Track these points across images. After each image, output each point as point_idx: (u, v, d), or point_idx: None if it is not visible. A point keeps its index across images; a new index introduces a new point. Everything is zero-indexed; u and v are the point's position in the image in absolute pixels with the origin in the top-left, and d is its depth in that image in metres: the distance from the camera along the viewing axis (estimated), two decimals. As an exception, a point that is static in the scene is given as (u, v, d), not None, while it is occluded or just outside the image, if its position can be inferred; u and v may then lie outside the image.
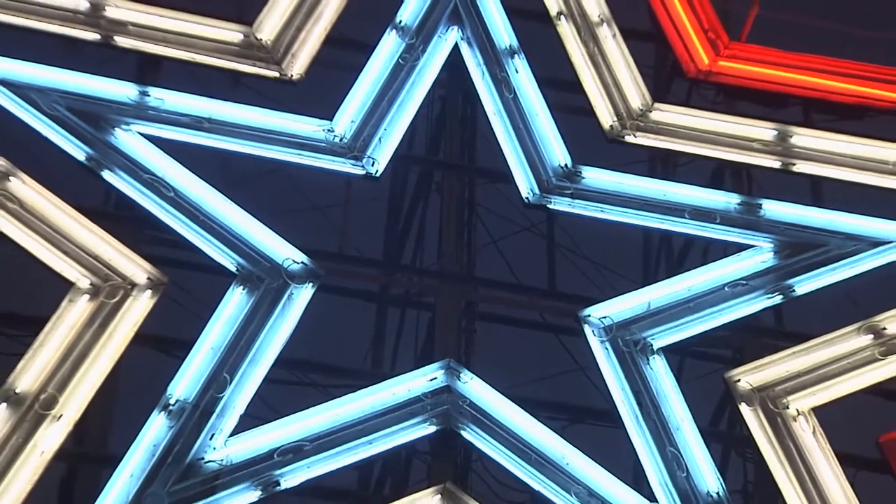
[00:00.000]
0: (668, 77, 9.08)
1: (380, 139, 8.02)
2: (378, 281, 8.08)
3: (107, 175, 7.49)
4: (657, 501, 7.19)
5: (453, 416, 7.16)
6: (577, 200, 8.16)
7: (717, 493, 7.23)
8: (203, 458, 6.77)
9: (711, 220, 8.28)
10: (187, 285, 7.35)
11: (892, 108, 9.00)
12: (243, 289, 7.33)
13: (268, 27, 8.24)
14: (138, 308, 7.10)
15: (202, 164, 7.63)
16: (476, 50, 8.49)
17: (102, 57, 7.91)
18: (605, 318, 7.76)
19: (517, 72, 8.44)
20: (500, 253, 8.09)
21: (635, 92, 8.65)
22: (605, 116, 8.54)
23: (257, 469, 6.80)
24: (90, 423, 6.78)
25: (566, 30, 8.78)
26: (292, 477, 6.82)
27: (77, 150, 7.51)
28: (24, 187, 7.24)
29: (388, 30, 8.37)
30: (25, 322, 6.97)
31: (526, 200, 8.14)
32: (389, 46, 8.31)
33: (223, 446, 6.83)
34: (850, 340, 7.91)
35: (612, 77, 8.68)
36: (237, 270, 7.39)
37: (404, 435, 7.09)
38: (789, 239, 8.26)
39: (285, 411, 7.01)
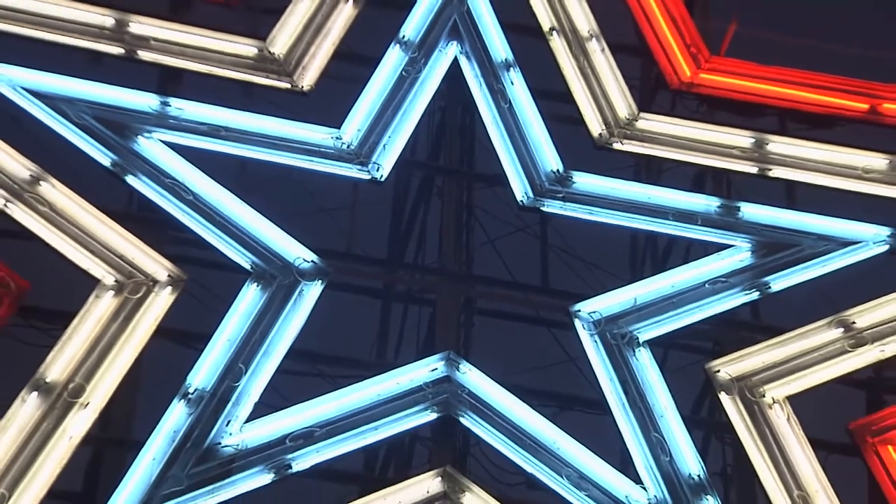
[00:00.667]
0: (652, 88, 9.05)
1: (384, 146, 8.02)
2: (382, 278, 8.07)
3: (130, 179, 7.50)
4: (643, 483, 7.19)
5: (453, 404, 7.17)
6: (568, 203, 8.16)
7: (699, 476, 7.24)
8: (220, 443, 6.78)
9: (693, 221, 8.27)
10: (205, 282, 7.35)
11: (860, 117, 8.98)
12: (257, 285, 7.34)
13: (280, 42, 8.24)
14: (160, 303, 7.10)
15: (219, 170, 7.63)
16: (474, 63, 8.49)
17: (126, 70, 7.90)
18: (594, 312, 7.76)
19: (512, 83, 8.44)
20: (497, 252, 8.08)
21: (622, 102, 8.64)
22: (595, 125, 8.53)
23: (270, 453, 6.80)
24: (115, 410, 6.78)
25: (558, 44, 8.76)
26: (303, 461, 6.83)
27: (103, 157, 7.51)
28: (54, 191, 7.24)
29: (392, 44, 8.36)
30: (55, 316, 6.97)
31: (521, 203, 8.13)
32: (393, 60, 8.31)
33: (238, 432, 6.84)
34: (821, 333, 7.89)
35: (601, 88, 8.66)
36: (251, 268, 7.40)
37: (407, 421, 7.10)
38: (765, 239, 8.25)
39: (296, 399, 7.02)
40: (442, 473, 6.89)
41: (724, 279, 8.04)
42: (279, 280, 7.37)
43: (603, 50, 8.78)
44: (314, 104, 8.12)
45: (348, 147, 7.96)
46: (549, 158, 8.24)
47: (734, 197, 8.47)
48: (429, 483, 6.87)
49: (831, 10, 9.42)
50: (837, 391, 7.83)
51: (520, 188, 8.14)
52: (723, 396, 7.63)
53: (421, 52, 8.39)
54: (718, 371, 7.73)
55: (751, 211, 8.35)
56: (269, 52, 8.18)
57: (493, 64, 8.48)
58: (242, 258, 7.42)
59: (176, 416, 6.77)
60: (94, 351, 6.83)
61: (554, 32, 8.79)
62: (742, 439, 7.49)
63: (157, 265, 7.21)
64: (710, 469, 7.34)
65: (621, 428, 7.38)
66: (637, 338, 7.72)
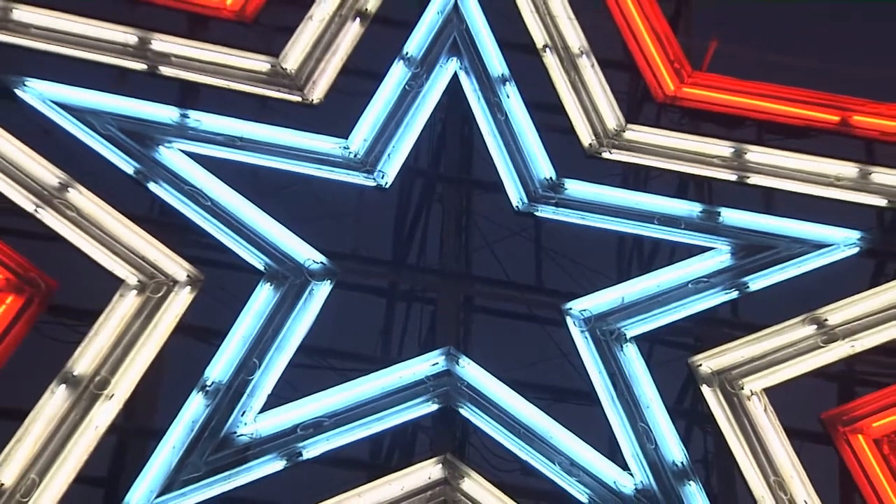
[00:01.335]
0: (639, 102, 9.03)
1: (389, 155, 8.01)
2: (387, 279, 8.07)
3: (152, 186, 7.50)
4: (629, 470, 7.19)
5: (453, 396, 7.17)
6: (560, 209, 8.15)
7: (682, 463, 7.25)
8: (235, 433, 6.79)
9: (677, 225, 8.27)
10: (221, 282, 7.35)
11: (833, 128, 8.97)
12: (270, 285, 7.34)
13: (292, 58, 8.23)
14: (179, 302, 7.11)
15: (235, 177, 7.63)
16: (472, 78, 8.49)
17: (149, 84, 7.90)
18: (584, 310, 7.77)
19: (508, 97, 8.44)
20: (494, 254, 8.07)
21: (611, 114, 8.63)
22: (585, 135, 8.52)
23: (283, 442, 6.82)
24: (138, 401, 6.79)
25: (551, 60, 8.75)
26: (313, 448, 6.84)
27: (126, 165, 7.52)
28: (81, 197, 7.25)
29: (396, 60, 8.36)
30: (82, 314, 6.98)
31: (516, 209, 8.13)
32: (397, 75, 8.30)
33: (253, 422, 6.85)
34: (796, 330, 7.90)
35: (591, 101, 8.65)
36: (265, 269, 7.40)
37: (410, 412, 7.10)
38: (744, 242, 8.24)
39: (307, 392, 7.03)
40: (443, 460, 6.90)
41: (705, 279, 8.04)
42: (291, 280, 7.37)
43: (593, 66, 8.77)
44: (323, 116, 8.11)
45: (355, 156, 7.97)
46: (543, 167, 8.24)
47: (715, 203, 8.46)
48: (430, 469, 6.87)
49: (806, 28, 9.43)
50: (811, 384, 7.84)
51: (515, 194, 8.14)
52: (704, 389, 7.64)
53: (423, 67, 8.39)
54: (700, 365, 7.73)
55: (730, 216, 8.35)
56: (282, 67, 8.19)
57: (490, 79, 8.48)
58: (256, 260, 7.42)
59: (194, 408, 6.78)
60: (119, 346, 6.84)
61: (547, 49, 8.78)
62: (722, 429, 7.49)
63: (176, 266, 7.21)
64: (693, 456, 7.35)
65: (610, 418, 7.38)
66: (624, 334, 7.72)
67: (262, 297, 7.27)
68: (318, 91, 8.18)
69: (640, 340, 7.74)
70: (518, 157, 8.24)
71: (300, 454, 6.80)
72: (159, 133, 7.68)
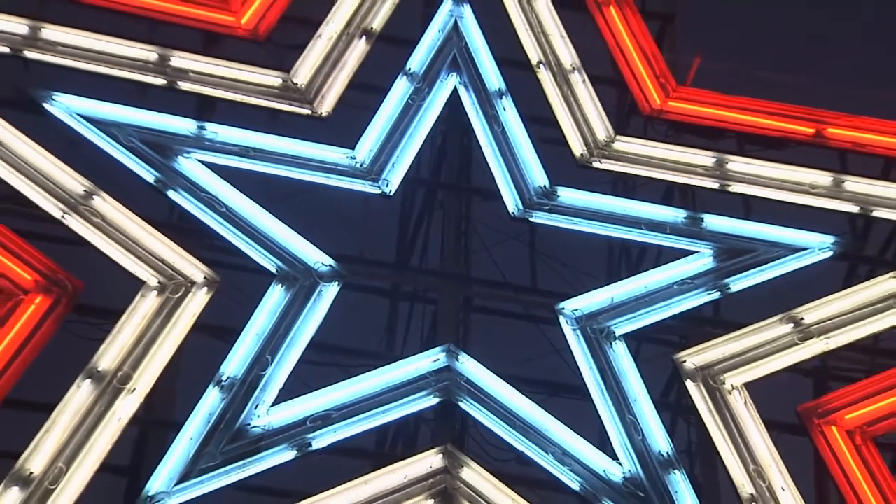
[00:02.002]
0: (627, 114, 9.01)
1: (393, 164, 8.01)
2: (391, 280, 8.09)
3: (171, 194, 7.52)
4: (618, 459, 7.19)
5: (453, 391, 7.17)
6: (553, 215, 8.15)
7: (667, 453, 7.24)
8: (249, 424, 6.79)
9: (663, 230, 8.26)
10: (236, 283, 7.35)
11: (808, 140, 8.95)
12: (282, 286, 7.34)
13: (302, 73, 8.24)
14: (197, 302, 7.12)
15: (248, 185, 7.64)
16: (471, 92, 8.48)
17: (168, 98, 7.92)
18: (576, 310, 7.76)
19: (505, 110, 8.43)
20: (491, 257, 8.08)
21: (601, 126, 8.62)
22: (577, 146, 8.51)
23: (293, 433, 6.82)
24: (158, 395, 6.80)
25: (545, 76, 8.75)
26: (322, 439, 6.85)
27: (147, 174, 7.53)
28: (105, 204, 7.27)
29: (400, 76, 8.37)
30: (106, 313, 6.99)
31: (512, 214, 8.12)
32: (401, 89, 8.31)
33: (265, 414, 6.85)
34: (774, 328, 7.89)
35: (582, 114, 8.64)
36: (277, 271, 7.40)
37: (412, 405, 7.10)
38: (725, 246, 8.23)
39: (316, 386, 7.03)
40: (443, 451, 6.90)
41: (689, 281, 8.04)
42: (301, 282, 7.38)
43: (584, 81, 8.77)
44: (331, 128, 8.12)
45: (361, 165, 7.97)
46: (537, 175, 8.24)
47: (698, 209, 8.45)
48: (432, 459, 6.87)
49: (783, 46, 9.45)
50: (788, 378, 7.83)
51: (511, 201, 8.14)
52: (688, 383, 7.63)
53: (425, 82, 8.40)
54: (685, 361, 7.73)
55: (713, 221, 8.35)
56: (293, 82, 8.19)
57: (488, 93, 8.48)
58: (269, 262, 7.43)
59: (211, 401, 6.79)
60: (140, 343, 6.85)
61: (541, 66, 8.78)
62: (705, 421, 7.49)
63: (194, 268, 7.23)
64: (678, 446, 7.35)
65: (600, 411, 7.38)
66: (614, 332, 7.72)
67: (274, 298, 7.28)
68: (326, 104, 8.18)
69: (628, 338, 7.73)
70: (514, 166, 8.24)
71: (310, 445, 6.81)
72: (178, 144, 7.69)
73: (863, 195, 8.70)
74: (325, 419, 6.89)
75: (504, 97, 8.48)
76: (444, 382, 7.19)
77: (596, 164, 8.49)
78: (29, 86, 7.64)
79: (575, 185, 8.28)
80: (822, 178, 8.72)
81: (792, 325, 7.92)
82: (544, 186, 8.22)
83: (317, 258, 7.49)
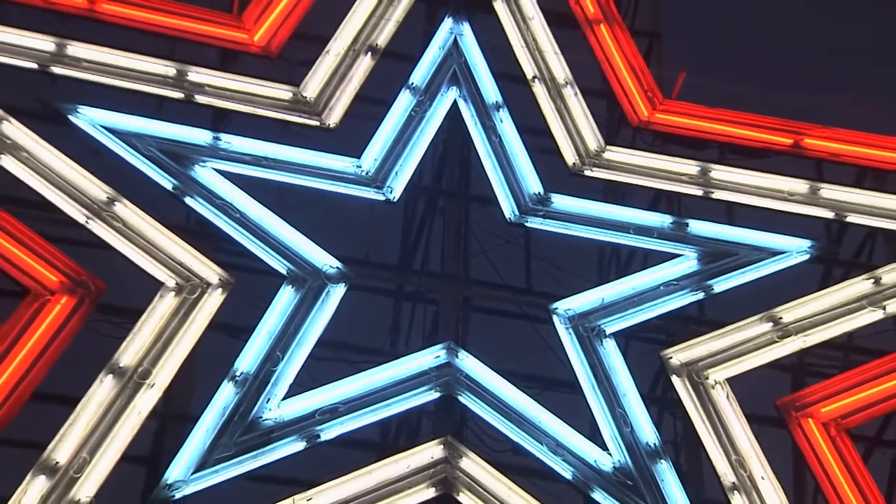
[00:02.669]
0: (616, 126, 8.97)
1: (396, 173, 8.00)
2: (394, 282, 8.10)
3: (188, 200, 7.52)
4: (609, 450, 7.21)
5: (453, 386, 7.18)
6: (548, 220, 8.15)
7: (654, 444, 7.26)
8: (261, 417, 6.81)
9: (650, 235, 8.26)
10: (249, 284, 7.35)
11: (786, 150, 8.94)
12: (292, 287, 7.35)
13: (311, 87, 8.22)
14: (212, 302, 7.12)
15: (261, 193, 7.64)
16: (470, 105, 8.47)
17: (185, 110, 7.90)
18: (569, 310, 7.77)
19: (502, 122, 8.42)
20: (489, 260, 8.08)
21: (592, 137, 8.60)
22: (569, 155, 8.49)
23: (303, 425, 6.84)
24: (176, 390, 6.81)
25: (539, 90, 8.71)
26: (330, 431, 6.87)
27: (166, 182, 7.53)
28: (126, 210, 7.27)
29: (403, 90, 8.35)
30: (127, 312, 7.00)
31: (508, 220, 8.12)
32: (404, 102, 8.30)
33: (277, 408, 6.86)
34: (754, 327, 7.90)
35: (574, 125, 8.62)
36: (287, 273, 7.40)
37: (415, 399, 7.12)
38: (709, 249, 8.23)
39: (324, 381, 7.04)
40: (444, 442, 6.92)
41: (675, 282, 8.05)
42: (310, 283, 7.38)
43: (576, 94, 8.74)
44: (339, 138, 8.10)
45: (367, 174, 7.97)
46: (532, 183, 8.23)
47: (684, 215, 8.46)
48: (433, 450, 6.89)
49: (763, 62, 9.45)
50: (767, 374, 7.85)
51: (508, 207, 8.14)
52: (674, 379, 7.64)
53: (426, 95, 8.39)
54: (671, 358, 7.74)
55: (697, 226, 8.35)
56: (302, 96, 8.19)
57: (486, 106, 8.47)
58: (280, 265, 7.43)
59: (225, 395, 6.80)
60: (159, 341, 6.86)
61: (536, 80, 8.76)
62: (690, 414, 7.50)
63: (210, 271, 7.23)
64: (664, 438, 7.37)
65: (591, 405, 7.40)
66: (604, 330, 7.72)
67: (285, 298, 7.28)
68: (334, 116, 8.17)
69: (617, 336, 7.74)
70: (510, 175, 8.23)
71: (318, 436, 6.82)
72: (195, 153, 7.69)
73: (838, 202, 8.71)
74: (332, 412, 6.90)
75: (501, 109, 8.47)
76: (444, 378, 7.20)
77: (587, 173, 8.48)
78: (55, 99, 7.64)
79: (568, 193, 8.28)
80: (800, 185, 8.72)
81: (771, 323, 7.93)
82: (539, 193, 8.22)
83: (325, 261, 7.49)
